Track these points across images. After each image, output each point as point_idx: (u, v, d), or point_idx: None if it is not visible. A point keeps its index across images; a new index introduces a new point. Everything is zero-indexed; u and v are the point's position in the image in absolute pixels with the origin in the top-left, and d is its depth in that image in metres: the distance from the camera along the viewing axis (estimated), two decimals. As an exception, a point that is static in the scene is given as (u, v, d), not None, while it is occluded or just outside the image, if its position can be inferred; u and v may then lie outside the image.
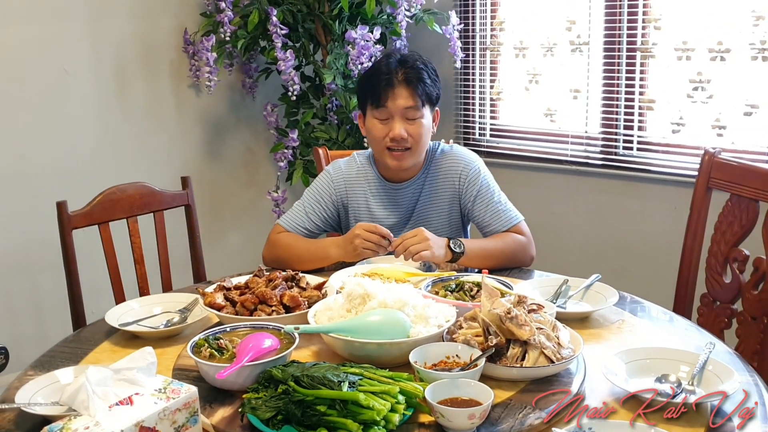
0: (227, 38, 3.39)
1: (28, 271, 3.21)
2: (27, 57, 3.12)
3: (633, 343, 1.63)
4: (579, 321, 1.76)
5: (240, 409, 1.31)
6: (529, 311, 1.52)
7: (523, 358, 1.44)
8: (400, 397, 1.29)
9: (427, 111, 2.19)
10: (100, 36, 3.34)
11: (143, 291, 2.38)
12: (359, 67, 3.22)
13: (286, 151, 3.58)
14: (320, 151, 2.65)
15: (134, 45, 3.46)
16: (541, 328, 1.48)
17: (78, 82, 3.28)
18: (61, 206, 2.23)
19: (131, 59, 3.46)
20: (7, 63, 3.06)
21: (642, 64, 3.30)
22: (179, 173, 2.59)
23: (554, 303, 1.78)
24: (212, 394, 1.43)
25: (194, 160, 3.76)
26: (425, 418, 1.32)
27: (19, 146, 3.14)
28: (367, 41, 3.20)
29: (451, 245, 2.05)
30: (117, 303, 2.14)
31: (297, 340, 1.48)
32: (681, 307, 2.23)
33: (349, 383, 1.28)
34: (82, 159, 3.33)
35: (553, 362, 1.43)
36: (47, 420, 1.27)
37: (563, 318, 1.66)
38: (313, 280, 1.87)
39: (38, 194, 2.96)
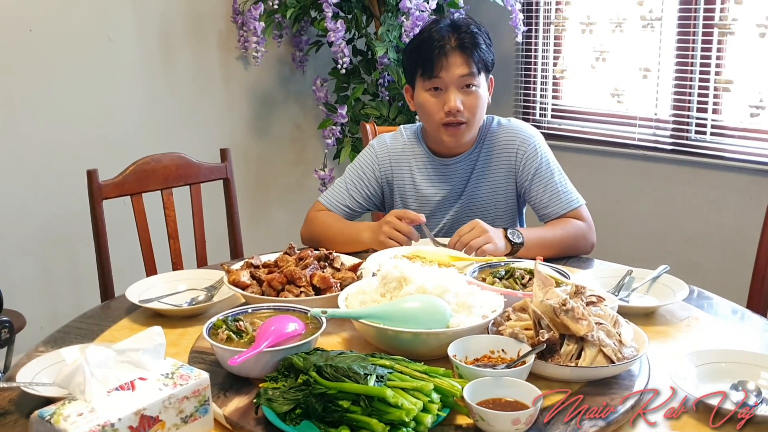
0: (276, 6, 3.28)
1: (66, 242, 3.15)
2: (70, 24, 3.05)
3: (704, 343, 1.48)
4: (643, 317, 1.60)
5: (255, 400, 1.19)
6: (588, 303, 1.36)
7: (578, 357, 1.29)
8: (435, 396, 1.14)
9: (482, 79, 2.04)
10: (146, 2, 3.25)
11: (177, 267, 2.30)
12: (414, 39, 3.06)
13: (334, 127, 3.46)
14: (368, 126, 2.53)
15: (181, 13, 3.37)
16: (601, 323, 1.32)
17: (122, 50, 3.21)
18: (91, 175, 2.16)
19: (178, 28, 3.37)
20: (49, 30, 2.99)
21: (719, 42, 3.15)
22: (224, 148, 2.48)
23: (616, 296, 1.63)
24: (228, 381, 1.30)
25: (240, 135, 3.67)
26: (463, 420, 1.17)
27: (61, 115, 3.08)
28: (423, 11, 3.03)
29: (509, 236, 1.88)
30: (148, 279, 2.03)
31: (324, 326, 1.35)
32: (755, 305, 2.07)
33: (377, 377, 1.14)
34: (124, 130, 3.26)
35: (613, 362, 1.27)
36: (50, 401, 1.17)
37: (625, 313, 1.51)
38: (348, 260, 1.73)
39: (78, 164, 2.87)
